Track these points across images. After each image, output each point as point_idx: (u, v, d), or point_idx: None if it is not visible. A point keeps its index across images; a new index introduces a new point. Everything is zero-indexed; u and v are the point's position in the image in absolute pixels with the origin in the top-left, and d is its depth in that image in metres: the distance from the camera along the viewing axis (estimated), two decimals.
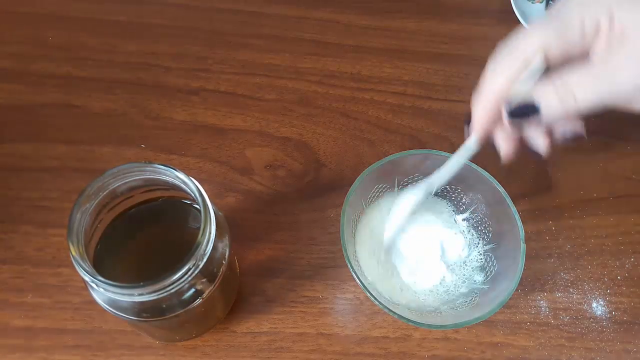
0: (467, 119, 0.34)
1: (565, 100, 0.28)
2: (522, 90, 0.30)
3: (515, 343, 0.40)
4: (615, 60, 0.28)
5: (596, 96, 0.28)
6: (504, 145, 0.34)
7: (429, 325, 0.34)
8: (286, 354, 0.38)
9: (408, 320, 0.34)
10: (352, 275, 0.35)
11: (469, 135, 0.34)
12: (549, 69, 0.30)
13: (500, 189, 0.39)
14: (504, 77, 0.30)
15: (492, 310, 0.34)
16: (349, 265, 0.35)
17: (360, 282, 0.34)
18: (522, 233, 0.37)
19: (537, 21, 0.30)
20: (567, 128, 0.33)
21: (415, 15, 0.58)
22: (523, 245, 0.37)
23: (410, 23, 0.57)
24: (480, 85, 0.32)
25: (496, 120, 0.32)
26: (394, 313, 0.34)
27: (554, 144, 0.33)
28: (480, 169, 0.40)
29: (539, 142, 0.33)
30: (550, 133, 0.33)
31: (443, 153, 0.40)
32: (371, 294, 0.34)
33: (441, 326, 0.35)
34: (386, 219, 0.40)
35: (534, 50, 0.29)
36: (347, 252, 0.36)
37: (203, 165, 0.46)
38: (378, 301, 0.34)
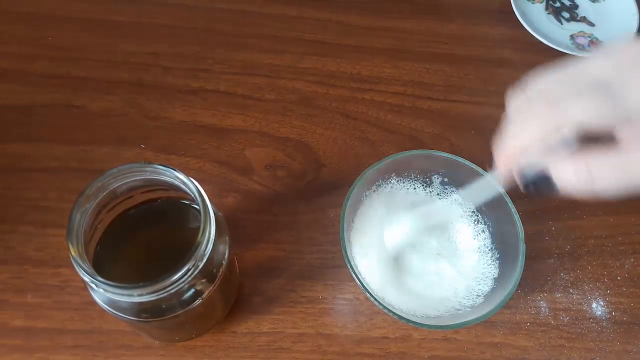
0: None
1: (584, 181, 0.28)
2: (539, 158, 0.29)
3: (515, 343, 0.40)
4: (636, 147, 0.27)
5: (616, 186, 0.27)
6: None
7: (429, 326, 0.35)
8: (286, 354, 0.38)
9: (408, 320, 0.34)
10: (352, 276, 0.35)
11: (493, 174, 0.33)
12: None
13: (501, 189, 0.39)
14: (528, 139, 0.29)
15: (492, 311, 0.34)
16: (348, 265, 0.35)
17: (360, 282, 0.35)
18: (521, 234, 0.37)
19: (589, 87, 0.27)
20: None
21: (415, 15, 0.58)
22: (523, 246, 0.37)
23: (410, 23, 0.57)
24: (503, 133, 0.30)
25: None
26: (394, 313, 0.34)
27: None
28: (480, 169, 0.40)
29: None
30: None
31: (442, 153, 0.41)
32: (371, 294, 0.34)
33: (441, 326, 0.35)
34: (387, 220, 0.40)
35: (575, 120, 0.27)
36: (346, 252, 0.36)
37: (203, 165, 0.46)
38: (378, 301, 0.34)
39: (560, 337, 0.41)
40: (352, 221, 0.39)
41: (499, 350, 0.40)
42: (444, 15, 0.58)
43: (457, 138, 0.50)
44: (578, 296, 0.43)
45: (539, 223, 0.46)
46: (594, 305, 0.42)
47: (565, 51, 0.55)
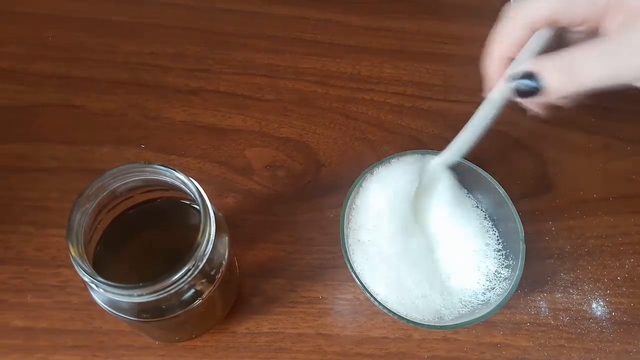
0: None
1: (571, 76, 0.27)
2: (526, 61, 0.29)
3: (515, 344, 0.40)
4: (633, 38, 0.27)
5: (606, 73, 0.27)
6: (530, 106, 0.33)
7: (429, 326, 0.35)
8: (286, 355, 0.38)
9: (407, 320, 0.34)
10: (352, 277, 0.35)
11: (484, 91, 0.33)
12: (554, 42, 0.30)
13: (500, 189, 0.39)
14: (508, 43, 0.30)
15: (492, 311, 0.34)
16: (348, 265, 0.35)
17: (360, 282, 0.35)
18: (521, 234, 0.37)
19: None
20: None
21: (415, 15, 0.58)
22: (523, 246, 0.37)
23: (410, 23, 0.57)
24: (487, 46, 0.32)
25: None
26: (394, 313, 0.34)
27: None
28: (480, 170, 0.40)
29: (539, 108, 0.32)
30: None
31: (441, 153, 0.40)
32: (371, 294, 0.34)
33: (441, 327, 0.35)
34: (387, 216, 0.40)
35: (541, 15, 0.29)
36: (346, 252, 0.36)
37: (202, 165, 0.46)
38: (378, 302, 0.34)
39: (560, 337, 0.41)
40: (351, 220, 0.39)
41: (499, 350, 0.40)
42: (444, 15, 0.58)
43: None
44: (578, 296, 0.43)
45: (539, 223, 0.46)
46: (594, 305, 0.42)
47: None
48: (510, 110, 0.51)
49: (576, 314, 0.42)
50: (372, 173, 0.39)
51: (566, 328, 0.41)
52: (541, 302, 0.42)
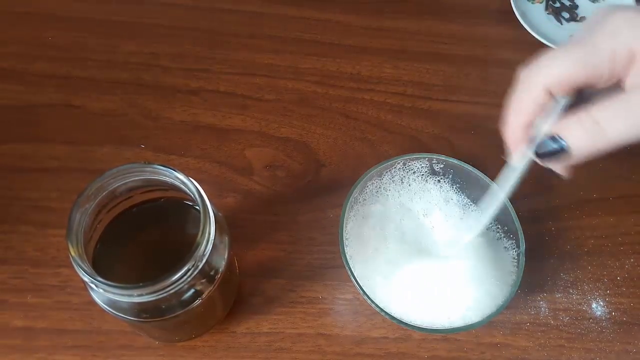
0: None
1: (595, 135, 0.27)
2: (547, 125, 0.29)
3: (514, 344, 0.40)
4: None
5: (630, 129, 0.27)
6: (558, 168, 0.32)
7: (429, 330, 0.34)
8: (286, 355, 0.38)
9: (407, 325, 0.34)
10: (352, 282, 0.35)
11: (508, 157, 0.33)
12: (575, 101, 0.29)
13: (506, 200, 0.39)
14: (526, 110, 0.29)
15: (492, 314, 0.34)
16: (348, 270, 0.35)
17: (358, 285, 0.35)
18: (523, 246, 0.37)
19: (561, 47, 0.29)
20: None
21: (415, 15, 0.58)
22: (523, 247, 0.37)
23: (410, 23, 0.57)
24: (504, 113, 0.31)
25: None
26: (393, 318, 0.34)
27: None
28: (478, 172, 0.40)
29: (562, 169, 0.32)
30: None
31: (442, 156, 0.40)
32: (369, 298, 0.34)
33: (440, 330, 0.35)
34: (387, 220, 0.40)
35: (556, 80, 0.28)
36: (345, 255, 0.36)
37: (202, 165, 0.46)
38: (379, 308, 0.34)
39: (560, 337, 0.41)
40: (351, 222, 0.39)
41: (499, 350, 0.40)
42: (444, 15, 0.58)
43: (457, 138, 0.50)
44: (578, 296, 0.43)
45: (539, 223, 0.46)
46: (594, 305, 0.42)
47: None
48: None
49: (576, 314, 0.42)
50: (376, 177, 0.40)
51: (566, 328, 0.41)
52: (541, 302, 0.42)
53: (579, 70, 0.28)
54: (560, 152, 0.28)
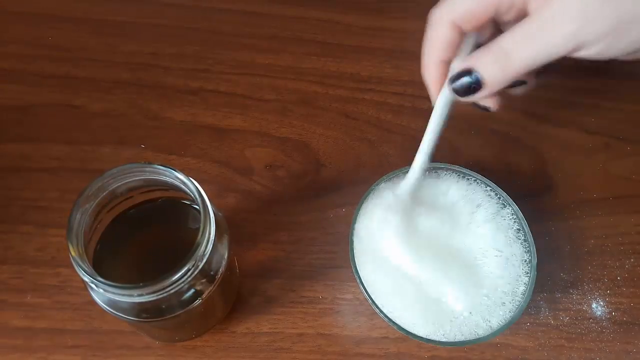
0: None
1: (504, 63, 0.28)
2: (460, 61, 0.30)
3: (514, 343, 0.40)
4: (552, 12, 0.27)
5: (535, 52, 0.27)
6: (486, 103, 0.33)
7: (433, 341, 0.34)
8: (286, 355, 0.38)
9: (413, 335, 0.34)
10: (362, 291, 0.35)
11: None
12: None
13: (500, 191, 0.39)
14: (439, 47, 0.30)
15: (496, 332, 0.34)
16: (356, 277, 0.35)
17: (368, 295, 0.34)
18: (534, 260, 0.37)
19: None
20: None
21: (415, 15, 0.57)
22: (534, 273, 0.37)
23: (410, 23, 0.57)
24: (421, 56, 0.32)
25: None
26: (399, 327, 0.34)
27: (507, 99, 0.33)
28: (478, 175, 0.40)
29: (487, 101, 0.33)
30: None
31: (453, 166, 0.40)
32: (376, 306, 0.34)
33: (446, 343, 0.34)
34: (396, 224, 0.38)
35: (462, 12, 0.29)
36: (354, 262, 0.36)
37: (202, 165, 0.46)
38: (387, 317, 0.34)
39: (560, 337, 0.41)
40: (357, 226, 0.38)
41: (499, 350, 0.40)
42: None
43: (457, 138, 0.50)
44: (578, 296, 0.43)
45: (539, 223, 0.46)
46: (594, 305, 0.42)
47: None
48: (510, 110, 0.51)
49: (576, 314, 0.42)
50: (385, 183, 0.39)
51: (566, 328, 0.41)
52: (541, 302, 0.42)
53: (481, 3, 0.29)
54: (476, 85, 0.29)
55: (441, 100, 0.33)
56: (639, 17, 0.25)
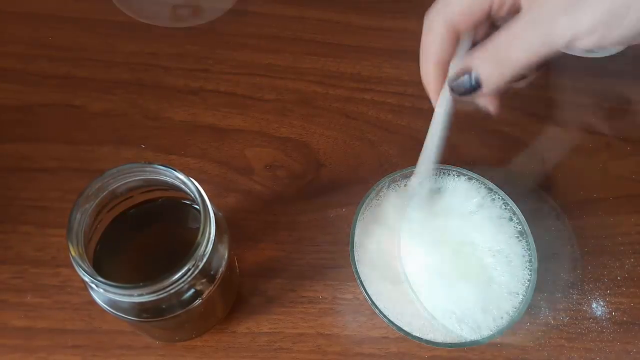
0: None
1: (501, 62, 0.27)
2: (458, 62, 0.30)
3: (515, 343, 0.40)
4: (541, 8, 0.26)
5: (531, 49, 0.27)
6: (485, 102, 0.33)
7: (433, 343, 0.34)
8: (286, 355, 0.38)
9: (417, 338, 0.34)
10: (366, 298, 0.35)
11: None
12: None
13: (501, 192, 0.39)
14: (436, 48, 0.30)
15: (502, 329, 0.34)
16: (358, 281, 0.35)
17: (373, 303, 0.34)
18: (535, 264, 0.37)
19: None
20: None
21: (416, 15, 0.57)
22: (534, 276, 0.37)
23: (410, 23, 0.57)
24: (420, 58, 0.32)
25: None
26: (403, 330, 0.34)
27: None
28: (479, 176, 0.40)
29: (487, 103, 0.32)
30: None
31: (454, 168, 0.40)
32: (378, 309, 0.34)
33: (450, 344, 0.34)
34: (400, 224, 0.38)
35: (456, 12, 0.29)
36: (356, 269, 0.36)
37: (203, 165, 0.46)
38: (386, 317, 0.34)
39: (560, 337, 0.41)
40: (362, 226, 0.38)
41: (499, 350, 0.40)
42: None
43: (457, 138, 0.50)
44: (578, 296, 0.43)
45: (539, 223, 0.46)
46: (594, 305, 0.42)
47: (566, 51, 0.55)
48: (510, 110, 0.51)
49: (576, 314, 0.42)
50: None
51: (566, 328, 0.41)
52: (541, 302, 0.42)
53: (476, 1, 0.28)
54: (474, 84, 0.29)
55: (442, 101, 0.33)
56: (632, 1, 0.25)
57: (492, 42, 0.28)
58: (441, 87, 0.32)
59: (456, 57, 0.31)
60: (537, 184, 0.48)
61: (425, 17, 0.31)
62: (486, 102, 0.32)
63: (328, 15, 0.56)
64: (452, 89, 0.30)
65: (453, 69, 0.31)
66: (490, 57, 0.28)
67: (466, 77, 0.29)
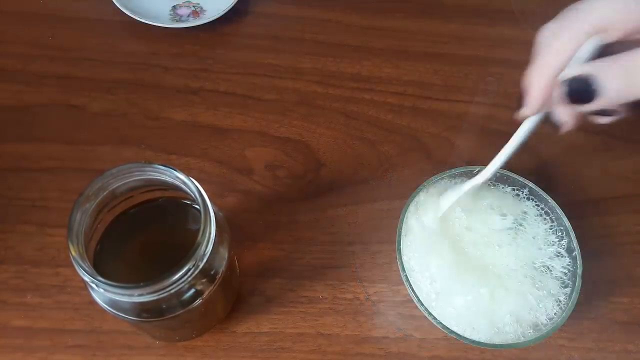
0: (520, 96, 0.32)
1: (631, 80, 0.26)
2: (578, 68, 0.28)
3: None
4: None
5: None
6: (566, 119, 0.31)
7: (493, 345, 0.35)
8: (286, 355, 0.38)
9: (462, 338, 0.35)
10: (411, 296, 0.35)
11: (522, 110, 0.32)
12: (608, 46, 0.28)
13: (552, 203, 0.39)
14: (563, 53, 0.28)
15: (540, 337, 0.35)
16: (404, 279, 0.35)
17: (415, 296, 0.35)
18: (580, 268, 0.38)
19: None
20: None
21: (416, 15, 0.58)
22: (579, 281, 0.38)
23: (410, 23, 0.57)
24: (535, 59, 0.30)
25: (553, 96, 0.29)
26: (450, 331, 0.35)
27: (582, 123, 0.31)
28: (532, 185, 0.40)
29: (566, 119, 0.31)
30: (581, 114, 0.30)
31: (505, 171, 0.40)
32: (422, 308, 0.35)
33: (503, 345, 0.35)
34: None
35: (598, 24, 0.27)
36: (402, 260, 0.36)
37: (203, 165, 0.46)
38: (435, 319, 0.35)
39: (560, 336, 0.41)
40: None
41: (499, 350, 0.40)
42: (444, 15, 0.58)
43: (457, 138, 0.50)
44: (578, 296, 0.42)
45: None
46: (594, 305, 0.42)
47: None
48: (510, 110, 0.51)
49: (576, 314, 0.42)
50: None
51: (566, 328, 0.41)
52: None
53: (621, 17, 0.27)
54: (591, 93, 0.27)
55: (535, 111, 0.32)
56: None
57: (629, 57, 0.26)
58: (547, 89, 0.30)
59: (576, 61, 0.29)
60: (537, 184, 0.48)
61: (567, 10, 0.29)
62: (568, 117, 0.31)
63: (328, 15, 0.56)
64: (567, 90, 0.28)
65: (573, 72, 0.28)
66: (622, 71, 0.26)
67: (587, 83, 0.27)
